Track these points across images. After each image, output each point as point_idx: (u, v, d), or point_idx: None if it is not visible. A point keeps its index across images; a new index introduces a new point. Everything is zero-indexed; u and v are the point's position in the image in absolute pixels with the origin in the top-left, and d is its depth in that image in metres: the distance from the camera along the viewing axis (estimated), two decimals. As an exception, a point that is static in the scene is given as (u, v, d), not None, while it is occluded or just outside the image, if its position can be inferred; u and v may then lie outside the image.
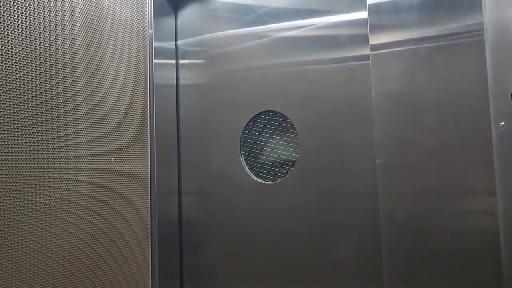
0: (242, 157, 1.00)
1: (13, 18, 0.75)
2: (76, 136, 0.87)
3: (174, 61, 1.10)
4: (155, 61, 1.04)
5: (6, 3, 0.74)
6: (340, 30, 0.88)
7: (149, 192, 1.03)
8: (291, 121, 0.93)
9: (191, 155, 1.08)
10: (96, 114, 0.91)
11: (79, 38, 0.88)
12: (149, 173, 1.03)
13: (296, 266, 0.92)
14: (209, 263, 1.04)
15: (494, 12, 0.69)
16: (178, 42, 1.11)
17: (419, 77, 0.76)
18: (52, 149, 0.82)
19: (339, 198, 0.87)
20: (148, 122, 1.03)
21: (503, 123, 0.68)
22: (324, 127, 0.89)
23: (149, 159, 1.03)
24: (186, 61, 1.10)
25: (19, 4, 0.76)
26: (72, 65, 0.87)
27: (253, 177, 0.99)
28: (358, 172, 0.85)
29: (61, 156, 0.84)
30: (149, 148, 1.03)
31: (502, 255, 0.68)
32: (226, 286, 1.01)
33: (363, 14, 0.83)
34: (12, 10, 0.75)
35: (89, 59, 0.90)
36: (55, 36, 0.83)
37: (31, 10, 0.78)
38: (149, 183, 1.03)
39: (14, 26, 0.75)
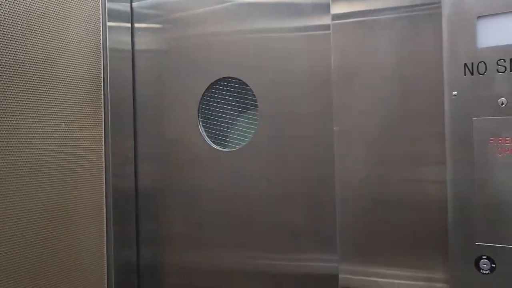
0: (200, 124, 0.99)
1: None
2: (25, 100, 0.83)
3: (129, 25, 1.06)
4: (108, 24, 1.00)
5: None
6: None
7: (103, 159, 1.00)
8: (250, 88, 0.93)
9: (148, 122, 1.06)
10: (45, 78, 0.87)
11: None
12: (103, 140, 1.00)
13: (252, 232, 0.93)
14: (166, 229, 1.03)
15: None
16: (134, 4, 1.06)
17: (378, 48, 0.77)
18: (-2, 112, 0.78)
19: (296, 165, 0.88)
20: (102, 87, 1.00)
21: (455, 92, 0.69)
22: (284, 95, 0.89)
23: (103, 125, 1.00)
24: (143, 24, 1.06)
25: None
26: (19, 25, 0.82)
27: (212, 144, 0.98)
28: (316, 140, 0.85)
29: (8, 121, 0.80)
30: (103, 114, 1.00)
31: (449, 220, 0.71)
32: (183, 251, 1.01)
33: None
34: None
35: (37, 19, 0.85)
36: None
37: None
38: (103, 150, 1.00)
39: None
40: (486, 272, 0.68)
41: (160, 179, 1.04)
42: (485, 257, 0.68)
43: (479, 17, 0.68)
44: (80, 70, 0.95)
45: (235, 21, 0.94)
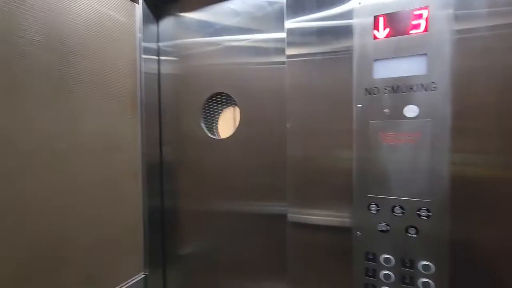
0: (202, 121, 0.97)
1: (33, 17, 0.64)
2: (90, 101, 0.80)
3: (156, 57, 1.02)
4: (143, 56, 0.96)
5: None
6: (268, 44, 0.87)
7: (140, 142, 0.97)
8: (234, 99, 0.92)
9: (169, 120, 1.02)
10: (103, 88, 0.84)
11: (88, 35, 0.78)
12: (140, 129, 0.97)
13: (235, 189, 0.92)
14: (181, 188, 1.02)
15: (358, 39, 0.71)
16: (160, 43, 1.02)
17: (314, 76, 0.76)
18: (63, 111, 0.73)
19: (263, 149, 0.88)
20: (139, 96, 0.97)
21: (360, 105, 0.71)
22: (256, 104, 0.88)
23: (140, 120, 0.97)
24: (165, 57, 1.02)
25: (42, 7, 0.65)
26: (85, 55, 0.77)
27: (209, 134, 0.96)
28: (277, 133, 0.85)
29: (81, 114, 0.76)
30: (139, 113, 0.97)
31: (353, 182, 0.72)
32: (191, 200, 1.00)
33: (283, 35, 0.82)
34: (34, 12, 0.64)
35: (96, 50, 0.81)
36: (67, 31, 0.73)
37: (48, 10, 0.67)
38: (140, 137, 0.97)
39: (34, 21, 0.65)
40: (374, 212, 0.70)
41: (176, 156, 1.01)
42: (373, 203, 0.70)
43: (375, 60, 0.69)
44: (124, 84, 0.91)
45: (226, 57, 0.92)
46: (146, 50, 0.97)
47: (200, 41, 0.96)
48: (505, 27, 0.58)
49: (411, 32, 0.64)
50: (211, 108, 0.97)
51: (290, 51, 0.79)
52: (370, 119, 0.69)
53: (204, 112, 0.97)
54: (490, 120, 0.59)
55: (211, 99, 0.96)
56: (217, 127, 0.97)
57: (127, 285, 0.91)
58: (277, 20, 0.85)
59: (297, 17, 0.77)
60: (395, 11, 0.65)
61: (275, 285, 0.87)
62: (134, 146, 0.95)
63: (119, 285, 0.90)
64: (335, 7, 0.73)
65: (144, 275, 0.97)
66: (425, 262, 0.65)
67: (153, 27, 1.01)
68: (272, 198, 0.87)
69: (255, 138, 0.89)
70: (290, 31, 0.78)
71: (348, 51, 0.72)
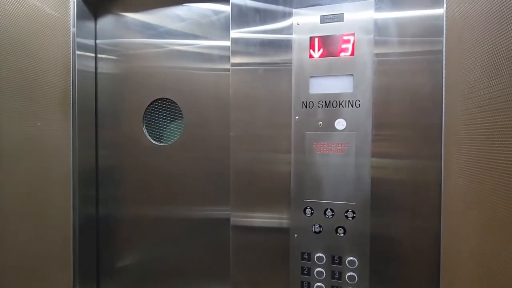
0: (144, 127, 0.94)
1: None
2: (14, 101, 0.71)
3: (93, 54, 0.96)
4: (77, 52, 0.89)
5: None
6: (213, 51, 0.88)
7: (71, 147, 0.90)
8: (178, 106, 0.91)
9: (107, 123, 0.97)
10: (28, 86, 0.76)
11: (13, 28, 0.70)
12: (71, 132, 0.90)
13: (177, 197, 0.91)
14: (120, 195, 0.97)
15: (296, 55, 0.76)
16: (98, 41, 0.96)
17: (257, 85, 0.79)
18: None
19: (207, 155, 0.88)
20: (71, 96, 0.89)
21: (297, 117, 0.76)
22: (200, 111, 0.88)
23: (71, 123, 0.90)
24: (103, 55, 0.96)
25: None
26: (9, 47, 0.70)
27: (152, 141, 0.94)
28: (221, 139, 0.86)
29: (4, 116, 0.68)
30: (71, 115, 0.90)
31: (291, 186, 0.76)
32: (131, 207, 0.96)
33: (228, 43, 0.84)
34: None
35: (23, 44, 0.73)
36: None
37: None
38: (72, 141, 0.90)
39: None
40: (309, 215, 0.77)
41: (115, 161, 0.96)
42: (309, 207, 0.77)
43: (311, 76, 0.74)
44: (55, 83, 0.84)
45: (169, 61, 0.90)
46: (81, 46, 0.90)
47: (142, 42, 0.93)
48: (410, 54, 0.69)
49: (340, 54, 0.72)
50: (154, 113, 0.94)
51: (234, 59, 0.80)
52: (306, 130, 0.74)
53: (146, 117, 0.94)
54: (401, 130, 0.70)
55: (154, 105, 0.93)
56: (161, 133, 0.95)
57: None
58: (222, 29, 0.86)
59: (241, 28, 0.77)
60: (328, 34, 0.73)
61: (218, 289, 0.89)
62: (65, 151, 0.88)
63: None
64: (276, 23, 0.77)
65: (74, 293, 0.91)
66: (350, 258, 0.74)
67: (90, 24, 0.94)
68: (215, 203, 0.88)
69: (199, 145, 0.89)
70: (235, 41, 0.80)
71: (288, 65, 0.76)
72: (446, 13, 0.67)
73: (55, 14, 0.83)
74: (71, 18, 0.88)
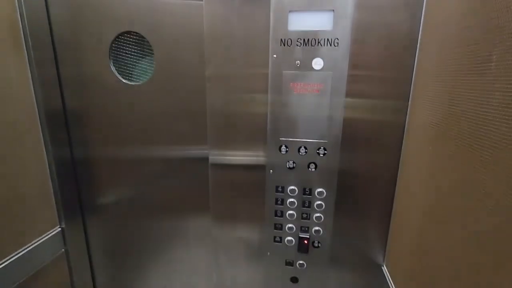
0: (112, 64, 0.87)
1: None
2: None
3: (41, -24, 0.82)
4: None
5: None
6: None
7: (31, 86, 0.83)
8: (148, 41, 0.83)
9: (68, 60, 0.88)
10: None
11: None
12: (29, 71, 0.82)
13: (151, 135, 0.90)
14: (94, 136, 0.94)
15: None
16: (42, -43, 0.81)
17: (232, 20, 0.74)
18: None
19: (182, 95, 0.84)
20: (21, 27, 0.79)
21: (275, 55, 0.74)
22: (172, 47, 0.82)
23: (26, 59, 0.82)
24: (53, -23, 0.83)
25: None
26: None
27: (122, 79, 0.88)
28: (196, 78, 0.82)
29: None
30: (25, 51, 0.81)
31: (268, 126, 0.78)
32: (107, 148, 0.94)
33: None
34: None
35: None
36: None
37: None
38: (31, 79, 0.83)
39: None
40: (284, 153, 0.82)
41: (84, 101, 0.90)
42: (284, 145, 0.81)
43: (290, 11, 0.71)
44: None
45: None
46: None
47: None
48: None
49: None
50: (122, 48, 0.86)
51: None
52: (284, 69, 0.73)
53: (113, 52, 0.87)
54: (376, 71, 0.72)
55: (121, 39, 0.85)
56: (132, 70, 0.89)
57: (42, 240, 0.89)
58: None
59: None
60: None
61: (199, 221, 0.97)
62: (26, 91, 0.82)
63: (33, 241, 0.87)
64: None
65: (60, 229, 0.95)
66: (319, 189, 0.83)
67: None
68: (193, 143, 0.88)
69: (174, 84, 0.85)
70: None
71: None
72: None
73: None
74: None
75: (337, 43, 0.71)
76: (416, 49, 0.70)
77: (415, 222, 0.64)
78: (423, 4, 0.67)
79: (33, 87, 0.83)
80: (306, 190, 0.83)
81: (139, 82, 0.88)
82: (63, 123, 0.93)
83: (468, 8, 0.49)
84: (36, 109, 0.85)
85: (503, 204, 0.36)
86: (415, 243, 0.63)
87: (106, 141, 0.94)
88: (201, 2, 0.76)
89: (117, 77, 0.88)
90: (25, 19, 0.79)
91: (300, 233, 0.83)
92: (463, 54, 0.49)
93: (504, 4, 0.40)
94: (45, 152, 0.88)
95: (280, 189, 0.84)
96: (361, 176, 0.80)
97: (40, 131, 0.86)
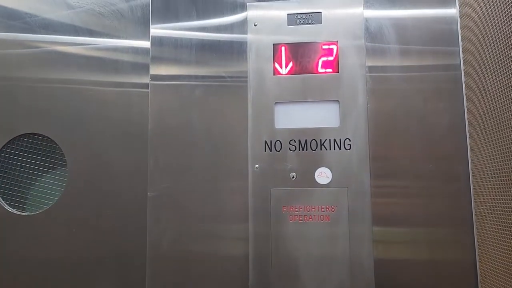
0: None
1: None
2: None
3: None
4: None
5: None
6: (121, 55, 0.61)
7: None
8: (59, 147, 0.58)
9: None
10: None
11: None
12: None
13: None
14: None
15: (254, 65, 0.56)
16: None
17: (192, 113, 0.57)
18: None
19: (109, 232, 0.57)
20: None
21: (257, 165, 0.55)
22: (97, 154, 0.58)
23: None
24: None
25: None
26: None
27: (6, 207, 0.58)
28: (131, 201, 0.57)
29: None
30: None
31: (250, 274, 0.53)
32: None
33: (146, 44, 0.60)
34: None
35: None
36: None
37: None
38: None
39: None
40: None
41: None
42: None
43: (276, 102, 0.56)
44: None
45: (42, 70, 0.60)
46: None
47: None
48: (418, 69, 0.52)
49: (319, 70, 0.56)
50: (14, 159, 0.60)
51: (156, 70, 0.57)
52: (272, 186, 0.54)
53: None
54: (416, 181, 0.51)
55: (14, 145, 0.60)
56: (26, 194, 0.59)
57: None
58: (137, 24, 0.62)
59: (167, 22, 0.58)
60: (299, 41, 0.55)
61: None
62: None
63: None
64: (222, 17, 0.58)
65: None
66: None
67: None
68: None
69: (91, 211, 0.57)
70: (157, 40, 0.57)
71: (241, 80, 0.57)
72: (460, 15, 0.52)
73: None
74: None
75: (349, 144, 0.53)
76: (466, 149, 0.50)
77: None
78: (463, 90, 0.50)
79: None
80: None
81: (35, 211, 0.58)
82: None
83: None
84: None
85: None
86: None
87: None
88: (145, 90, 0.58)
89: (1, 205, 0.57)
90: None
91: None
92: None
93: None
94: None
95: None
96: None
97: None
